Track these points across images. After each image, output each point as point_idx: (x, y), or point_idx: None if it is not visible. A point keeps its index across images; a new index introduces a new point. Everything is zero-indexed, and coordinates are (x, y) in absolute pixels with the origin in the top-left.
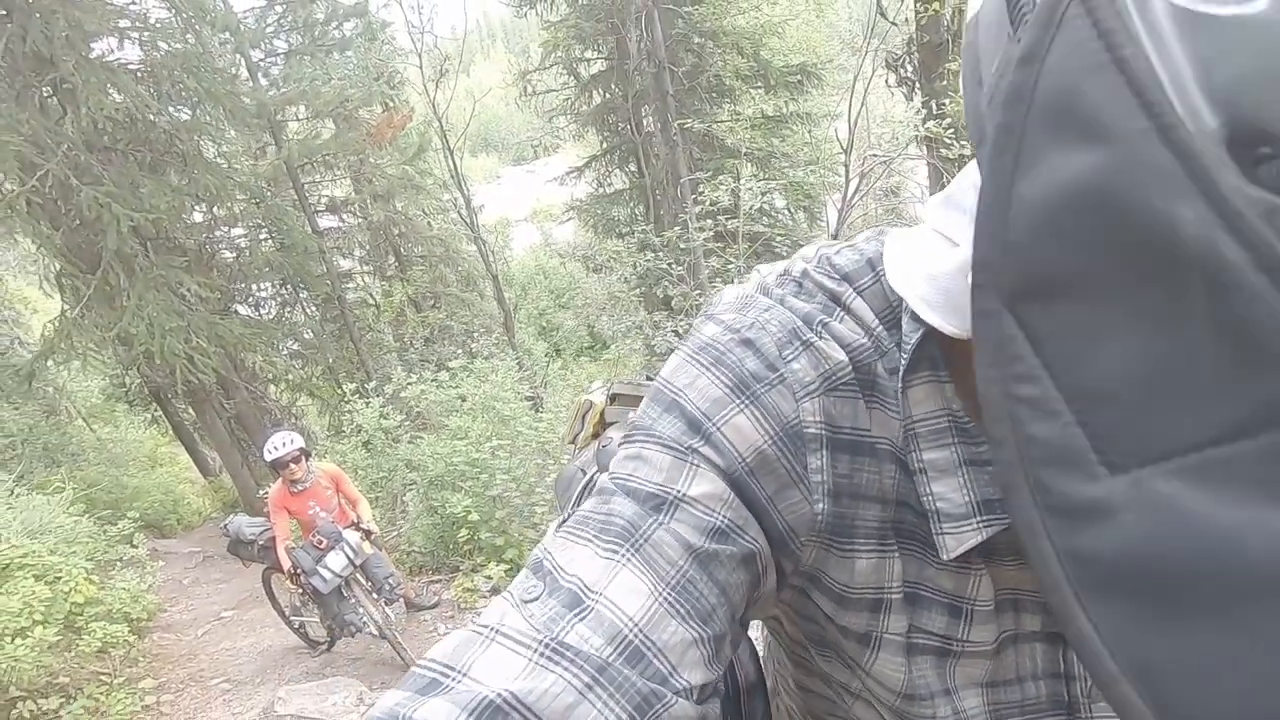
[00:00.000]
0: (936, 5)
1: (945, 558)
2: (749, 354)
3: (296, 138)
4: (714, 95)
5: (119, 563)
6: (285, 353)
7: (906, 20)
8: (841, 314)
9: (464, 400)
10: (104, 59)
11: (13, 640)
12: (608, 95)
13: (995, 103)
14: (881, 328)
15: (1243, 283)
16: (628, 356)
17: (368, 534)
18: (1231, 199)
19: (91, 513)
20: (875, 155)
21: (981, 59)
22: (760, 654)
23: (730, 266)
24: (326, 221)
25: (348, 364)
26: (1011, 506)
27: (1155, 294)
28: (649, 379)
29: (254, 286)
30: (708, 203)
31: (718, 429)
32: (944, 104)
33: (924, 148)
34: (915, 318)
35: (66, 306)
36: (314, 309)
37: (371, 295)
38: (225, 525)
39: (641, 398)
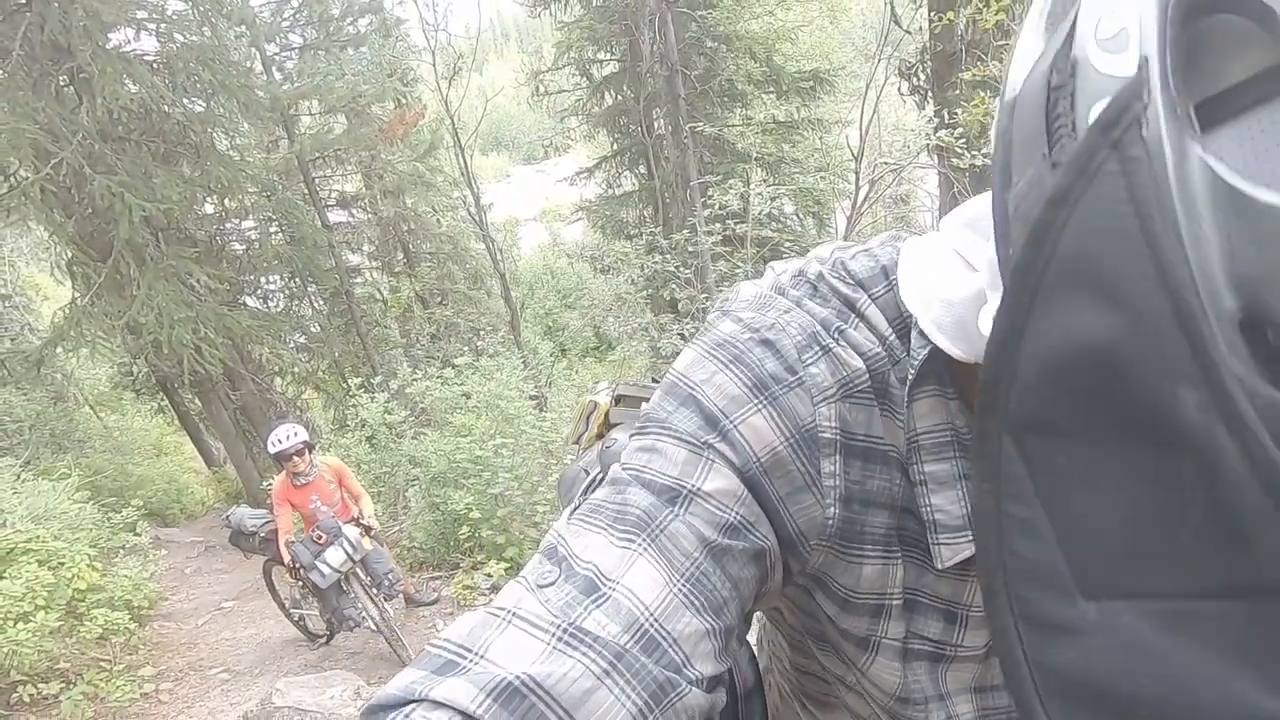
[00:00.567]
0: (951, 15)
1: (940, 567)
2: (768, 354)
3: (309, 132)
4: (726, 99)
5: (122, 550)
6: (292, 345)
7: (920, 29)
8: (856, 321)
9: (468, 398)
10: (120, 49)
11: (15, 624)
12: (619, 97)
13: (1019, 237)
14: (894, 336)
15: (1232, 473)
16: (633, 358)
17: (368, 530)
18: (1234, 393)
19: (96, 499)
20: (886, 163)
21: (1014, 155)
22: (755, 636)
23: (738, 271)
24: (336, 216)
25: (353, 358)
26: (990, 609)
27: (1149, 459)
28: (654, 381)
29: (263, 279)
30: (717, 206)
31: (735, 427)
32: (956, 114)
33: (935, 157)
34: (925, 333)
35: (77, 294)
36: (321, 303)
37: (379, 291)
38: (227, 516)
39: (646, 400)
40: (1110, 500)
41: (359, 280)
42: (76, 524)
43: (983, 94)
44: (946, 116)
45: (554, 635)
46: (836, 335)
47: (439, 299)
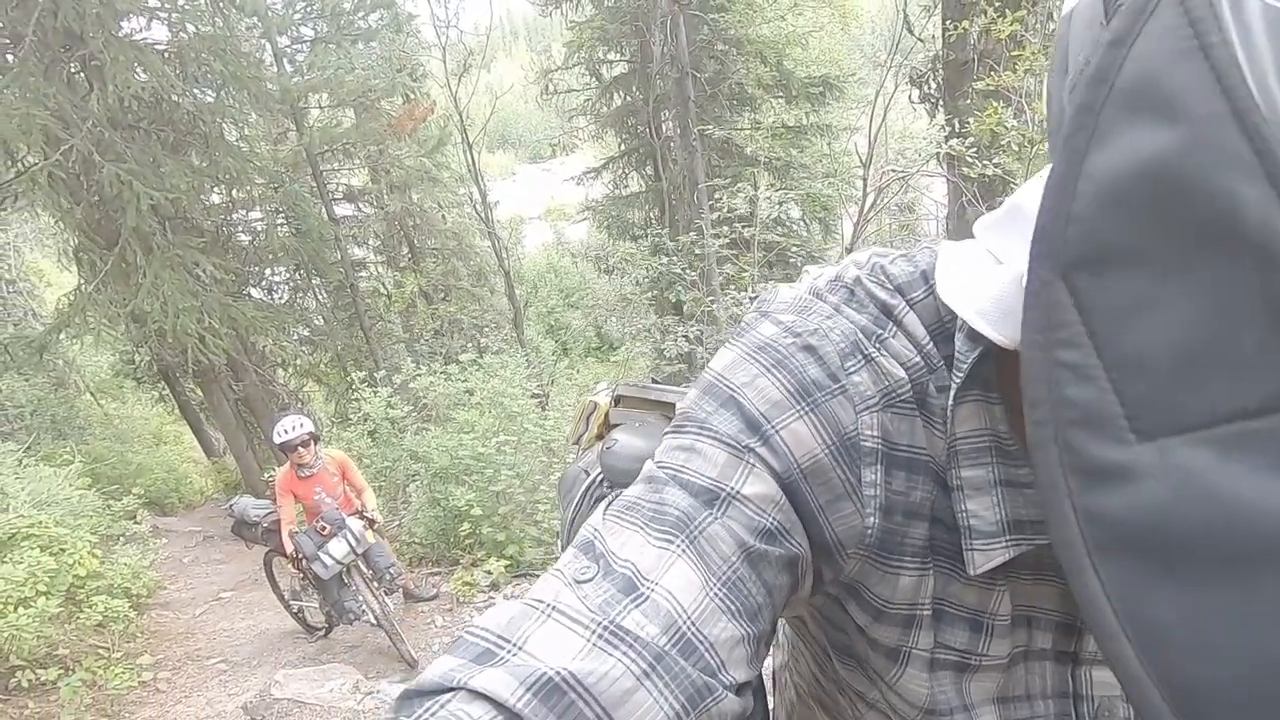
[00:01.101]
0: (966, 23)
1: (972, 572)
2: (811, 361)
3: (318, 125)
4: (735, 103)
5: (121, 538)
6: (295, 338)
7: (933, 37)
8: (894, 329)
9: (471, 394)
10: (132, 38)
11: (15, 609)
12: (628, 98)
13: (1079, 84)
14: (932, 344)
15: None
16: (635, 359)
17: (371, 522)
18: None
19: (96, 487)
20: (893, 170)
21: (1071, 48)
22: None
23: (744, 274)
24: (343, 210)
25: (356, 352)
26: (1037, 465)
27: (1208, 268)
28: (655, 382)
29: (268, 270)
30: (724, 210)
31: (776, 432)
32: (967, 123)
33: (944, 165)
34: (971, 336)
35: (82, 281)
36: (326, 296)
37: (384, 285)
38: (231, 505)
39: (647, 401)
40: (1166, 326)
41: (364, 274)
42: (78, 510)
43: (995, 104)
44: (958, 125)
45: (594, 632)
46: (878, 345)
47: (443, 295)
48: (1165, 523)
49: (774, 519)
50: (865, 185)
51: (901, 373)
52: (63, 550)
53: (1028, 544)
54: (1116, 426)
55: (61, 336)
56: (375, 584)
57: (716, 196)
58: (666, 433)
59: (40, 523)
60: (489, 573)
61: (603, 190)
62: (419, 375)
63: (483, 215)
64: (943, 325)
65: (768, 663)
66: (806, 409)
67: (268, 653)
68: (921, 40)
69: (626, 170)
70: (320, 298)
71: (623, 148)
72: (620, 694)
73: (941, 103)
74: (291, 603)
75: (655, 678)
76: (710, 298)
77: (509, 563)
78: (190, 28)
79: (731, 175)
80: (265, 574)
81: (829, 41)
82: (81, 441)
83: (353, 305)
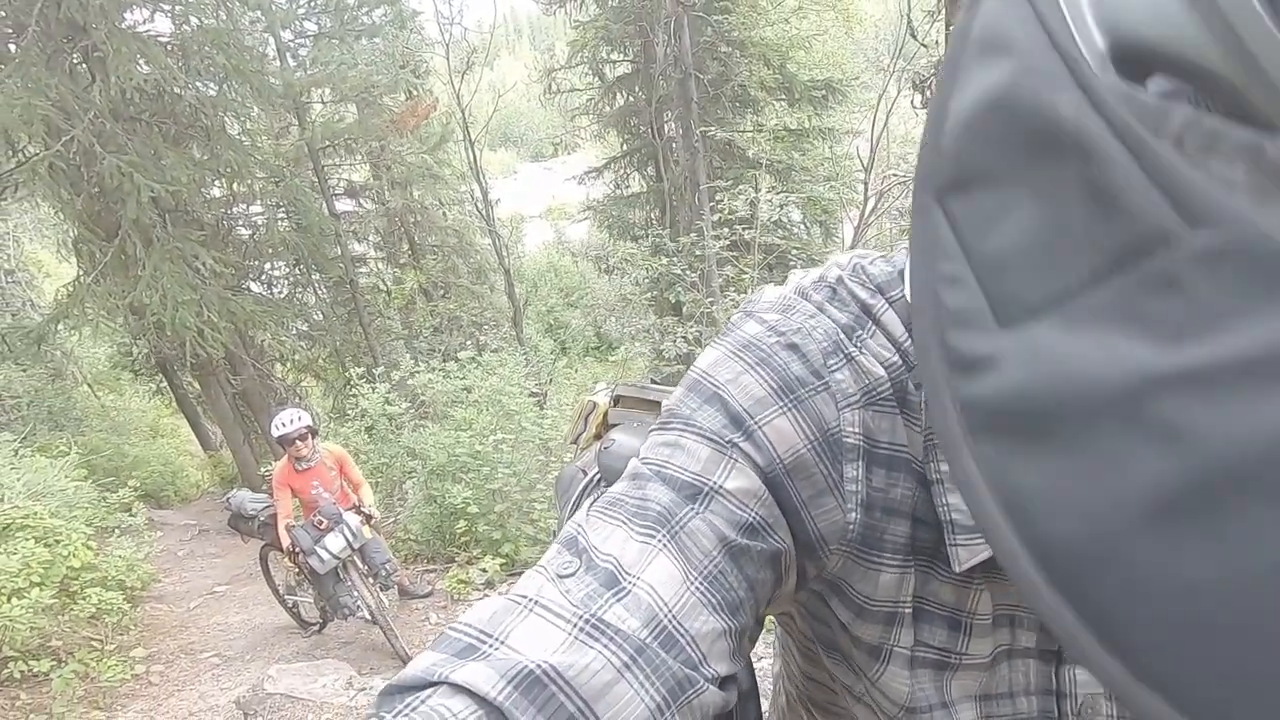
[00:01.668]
0: None
1: (957, 569)
2: (794, 358)
3: (320, 120)
4: (737, 105)
5: (117, 530)
6: (294, 332)
7: (936, 42)
8: (874, 328)
9: (469, 392)
10: (135, 29)
11: (9, 600)
12: (631, 98)
13: (948, 46)
14: (909, 341)
15: (1104, 150)
16: (634, 360)
17: (368, 518)
18: (1099, 89)
19: (92, 479)
20: (895, 175)
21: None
22: (772, 641)
23: (744, 276)
24: (344, 205)
25: (355, 348)
26: (922, 368)
27: (1043, 172)
28: (654, 382)
29: (268, 265)
30: (725, 211)
31: (759, 428)
32: None
33: None
34: None
35: (81, 272)
36: (325, 291)
37: (383, 281)
38: (228, 499)
39: (645, 401)
40: (1018, 227)
41: (363, 270)
42: (73, 502)
43: None
44: None
45: (575, 626)
46: (858, 344)
47: (442, 292)
48: (1024, 398)
49: (756, 513)
50: (866, 189)
51: (881, 371)
52: (57, 541)
53: None
54: (983, 320)
55: (60, 327)
56: (371, 580)
57: (718, 198)
58: (652, 430)
59: (35, 514)
60: (484, 570)
61: (604, 190)
62: (417, 372)
63: (483, 213)
64: None
65: (767, 668)
66: (789, 405)
67: (261, 647)
68: (925, 45)
69: (628, 170)
70: (320, 293)
71: (624, 148)
72: (601, 686)
73: None
74: (286, 597)
75: (636, 670)
76: (710, 299)
77: (504, 561)
78: (194, 20)
79: (733, 177)
80: (261, 568)
81: (832, 45)
82: (78, 433)
83: (352, 301)
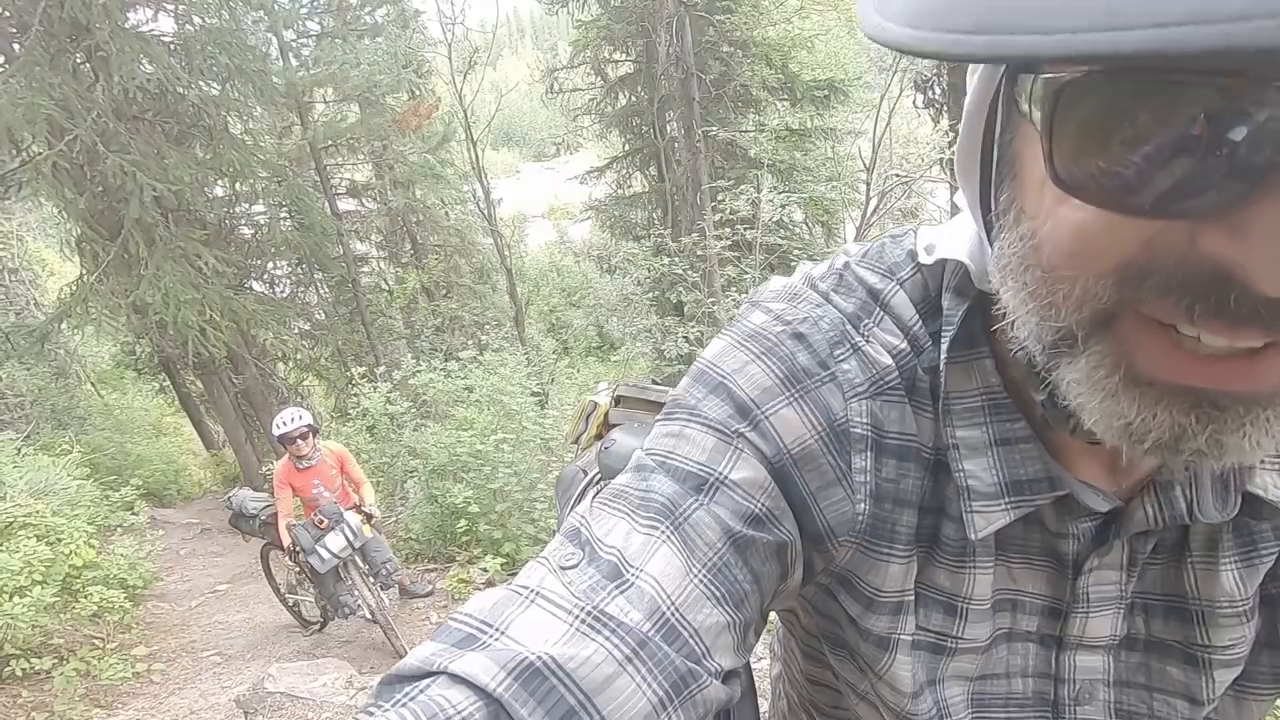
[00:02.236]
0: None
1: (974, 537)
2: (801, 348)
3: (322, 120)
4: (740, 105)
5: (119, 529)
6: (296, 332)
7: None
8: (880, 314)
9: (471, 391)
10: (138, 29)
11: (11, 598)
12: (633, 98)
13: None
14: (920, 323)
15: None
16: (636, 359)
17: (369, 517)
18: None
19: (95, 477)
20: (897, 175)
21: None
22: (770, 644)
23: (746, 276)
24: (346, 205)
25: (356, 347)
26: None
27: None
28: (655, 382)
29: (270, 264)
30: (727, 211)
31: (766, 418)
32: None
33: (948, 171)
34: (958, 291)
35: (84, 271)
36: (327, 291)
37: (385, 281)
38: (229, 498)
39: (647, 401)
40: None
41: (365, 269)
42: (76, 500)
43: None
44: None
45: (577, 618)
46: (865, 334)
47: (444, 291)
48: None
49: (762, 504)
50: (868, 189)
51: (889, 360)
52: (59, 540)
53: (1028, 505)
54: None
55: (63, 326)
56: (371, 579)
57: (720, 198)
58: (657, 420)
59: (38, 512)
60: (485, 570)
61: (606, 190)
62: (419, 371)
63: (485, 213)
64: (931, 299)
65: (765, 669)
66: (796, 395)
67: (262, 646)
68: None
69: (630, 170)
70: (322, 292)
71: (627, 148)
72: (602, 679)
73: (946, 108)
74: (287, 596)
75: (638, 663)
76: (711, 299)
77: (505, 560)
78: (196, 20)
79: (735, 177)
80: (262, 567)
81: (835, 45)
82: (81, 431)
83: (354, 300)
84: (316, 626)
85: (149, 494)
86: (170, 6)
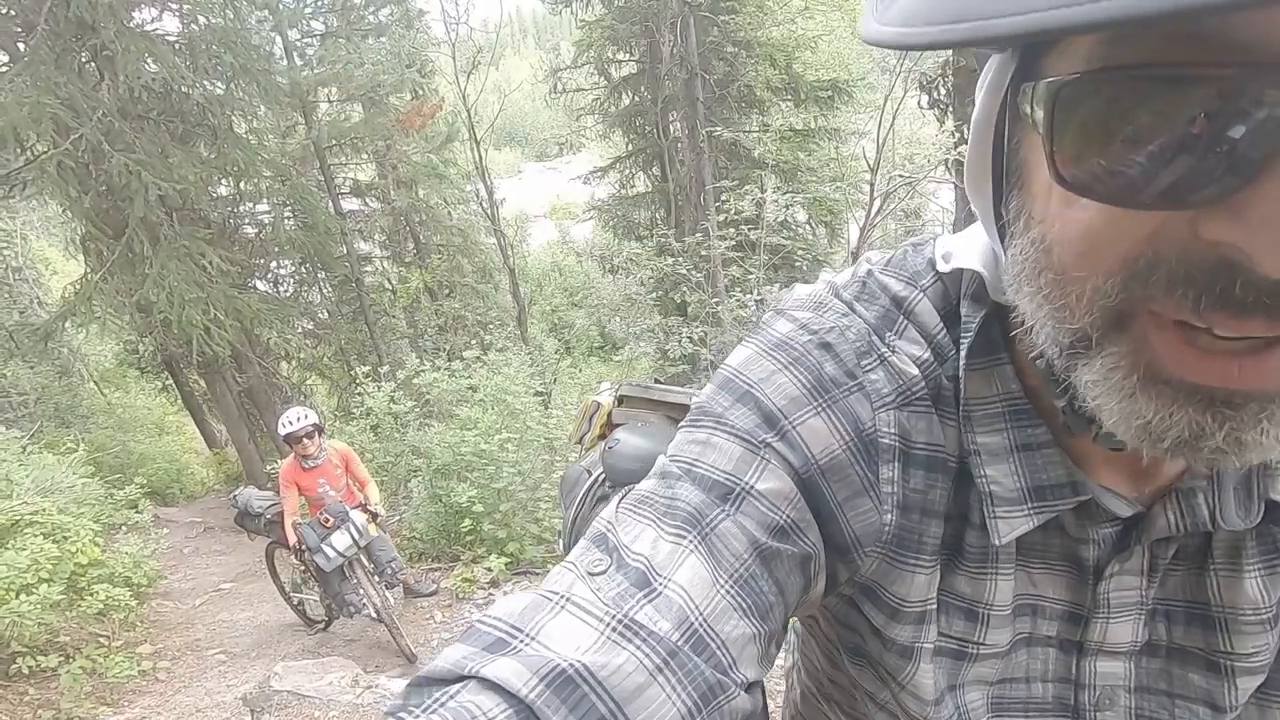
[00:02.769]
0: None
1: (997, 542)
2: (828, 358)
3: (326, 119)
4: (743, 105)
5: (123, 527)
6: (300, 331)
7: None
8: (905, 323)
9: (474, 391)
10: (144, 28)
11: (18, 596)
12: (637, 98)
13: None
14: (944, 329)
15: None
16: (638, 359)
17: (374, 516)
18: None
19: (99, 475)
20: (901, 176)
21: None
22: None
23: (750, 276)
24: (349, 204)
25: (360, 347)
26: None
27: None
28: (658, 383)
29: (274, 263)
30: (731, 211)
31: (794, 428)
32: None
33: (952, 172)
34: (975, 298)
35: (89, 270)
36: (331, 290)
37: (389, 280)
38: (234, 496)
39: (650, 401)
40: None
41: (369, 269)
42: (81, 499)
43: None
44: (967, 132)
45: (608, 625)
46: (890, 344)
47: (447, 291)
48: None
49: (787, 515)
50: (872, 190)
51: (915, 370)
52: (65, 538)
53: (1051, 510)
54: None
55: (67, 325)
56: (376, 578)
57: (723, 198)
58: (681, 427)
59: (44, 510)
60: (489, 569)
61: (609, 190)
62: (422, 371)
63: (488, 212)
64: (952, 307)
65: (779, 662)
66: (824, 405)
67: (267, 645)
68: None
69: (633, 170)
70: (325, 292)
71: (630, 148)
72: (633, 689)
73: (951, 109)
74: (292, 595)
75: (669, 674)
76: (715, 299)
77: (509, 560)
78: (201, 19)
79: (738, 177)
80: (266, 566)
81: (839, 45)
82: (85, 430)
83: (357, 300)
84: (321, 625)
85: (152, 492)
86: (175, 6)
